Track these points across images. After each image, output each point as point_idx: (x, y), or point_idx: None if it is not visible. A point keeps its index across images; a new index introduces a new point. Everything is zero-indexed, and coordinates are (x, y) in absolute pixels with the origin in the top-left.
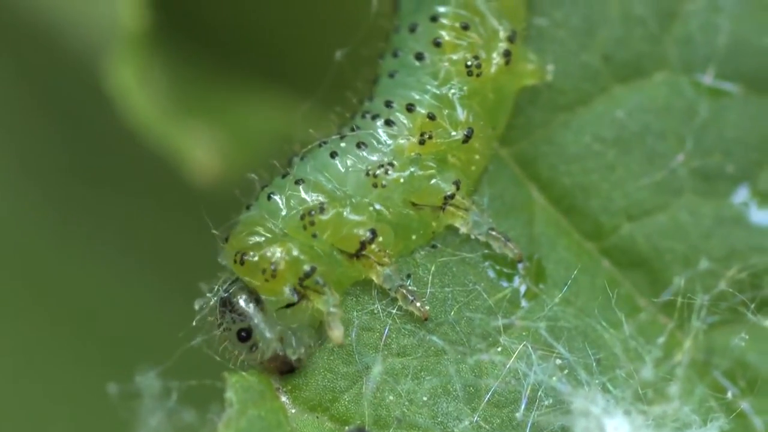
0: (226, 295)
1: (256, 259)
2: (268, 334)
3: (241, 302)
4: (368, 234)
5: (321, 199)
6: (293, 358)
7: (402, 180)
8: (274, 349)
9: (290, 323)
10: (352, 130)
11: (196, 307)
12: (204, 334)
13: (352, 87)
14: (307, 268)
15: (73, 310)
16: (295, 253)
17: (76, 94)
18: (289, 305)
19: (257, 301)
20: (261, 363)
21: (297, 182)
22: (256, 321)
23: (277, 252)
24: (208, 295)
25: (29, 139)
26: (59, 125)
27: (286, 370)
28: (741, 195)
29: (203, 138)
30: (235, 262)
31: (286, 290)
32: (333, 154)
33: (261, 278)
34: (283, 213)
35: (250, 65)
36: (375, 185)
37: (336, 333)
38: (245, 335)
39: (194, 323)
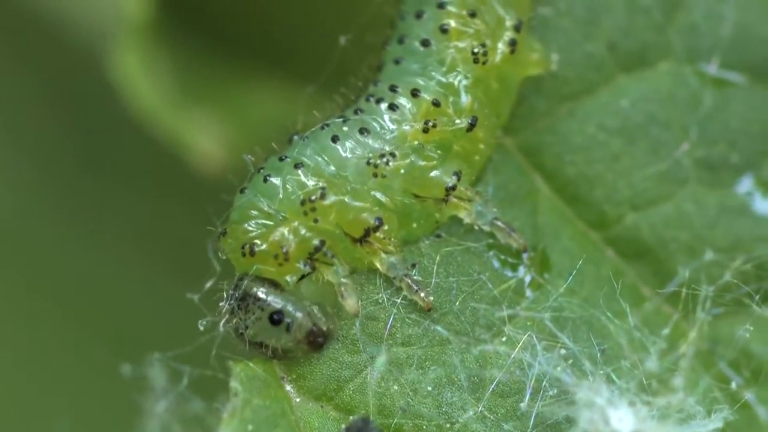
0: (241, 292)
1: (265, 247)
2: (297, 311)
3: (261, 291)
4: (375, 221)
5: (321, 184)
6: (324, 328)
7: (402, 170)
8: (308, 324)
9: (309, 299)
10: (356, 113)
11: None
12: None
13: (356, 73)
14: (316, 242)
15: (79, 301)
16: (302, 232)
17: (81, 83)
18: (302, 277)
19: (274, 284)
20: (299, 341)
21: (296, 166)
22: (283, 301)
23: (285, 234)
24: (221, 304)
25: (33, 128)
26: (64, 114)
27: (322, 342)
28: (745, 185)
29: (207, 127)
30: (244, 255)
31: (299, 266)
32: (335, 138)
33: (274, 264)
34: (281, 196)
35: (255, 54)
36: (375, 175)
37: (350, 302)
38: (278, 318)
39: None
